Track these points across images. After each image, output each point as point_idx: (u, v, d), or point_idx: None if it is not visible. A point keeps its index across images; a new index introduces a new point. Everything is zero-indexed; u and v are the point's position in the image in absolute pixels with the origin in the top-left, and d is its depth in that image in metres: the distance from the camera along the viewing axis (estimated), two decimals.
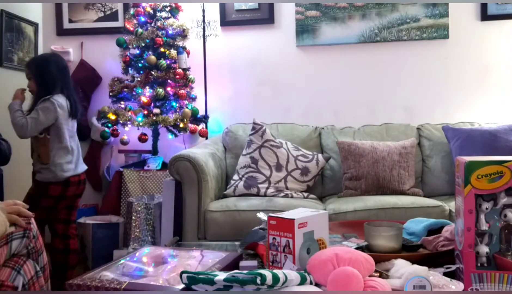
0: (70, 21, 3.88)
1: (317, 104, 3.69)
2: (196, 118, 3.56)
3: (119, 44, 3.52)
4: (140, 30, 3.45)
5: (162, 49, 3.49)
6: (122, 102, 3.53)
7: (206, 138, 3.61)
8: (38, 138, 2.70)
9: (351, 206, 2.69)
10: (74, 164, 2.77)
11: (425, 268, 1.20)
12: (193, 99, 3.62)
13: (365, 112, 3.62)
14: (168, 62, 3.48)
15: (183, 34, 3.57)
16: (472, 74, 3.57)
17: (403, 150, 3.04)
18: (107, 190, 3.50)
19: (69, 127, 2.76)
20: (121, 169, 3.43)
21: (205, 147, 3.15)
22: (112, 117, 3.46)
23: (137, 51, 3.51)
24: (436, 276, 1.17)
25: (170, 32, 3.51)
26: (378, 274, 1.25)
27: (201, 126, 3.60)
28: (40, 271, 1.34)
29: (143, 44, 3.47)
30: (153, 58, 3.42)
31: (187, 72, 3.55)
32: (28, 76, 2.74)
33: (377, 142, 3.13)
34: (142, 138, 3.52)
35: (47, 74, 2.71)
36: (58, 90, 2.71)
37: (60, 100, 2.69)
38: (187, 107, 3.51)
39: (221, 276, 1.09)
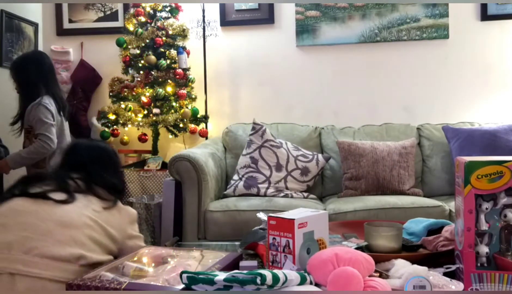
0: (70, 21, 3.88)
1: (317, 104, 3.69)
2: (196, 118, 3.56)
3: (119, 44, 3.52)
4: (140, 30, 3.45)
5: (162, 49, 3.49)
6: (122, 102, 3.53)
7: (206, 138, 3.61)
8: (32, 142, 2.61)
9: (351, 206, 2.69)
10: None
11: (425, 268, 1.20)
12: (193, 99, 3.62)
13: (365, 112, 3.62)
14: (168, 62, 3.48)
15: (183, 34, 3.57)
16: (472, 74, 3.57)
17: (403, 150, 3.04)
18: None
19: (61, 128, 2.68)
20: (121, 169, 3.42)
21: (205, 147, 3.16)
22: (112, 117, 3.46)
23: (137, 51, 3.51)
24: (436, 276, 1.17)
25: (170, 32, 3.51)
26: (378, 274, 1.25)
27: (201, 126, 3.60)
28: None
29: (143, 44, 3.47)
30: (153, 58, 3.43)
31: (187, 72, 3.55)
32: (12, 78, 2.66)
33: (377, 142, 3.13)
34: (142, 138, 3.53)
35: (27, 76, 2.61)
36: (42, 91, 2.61)
37: (47, 101, 2.60)
38: (187, 107, 3.52)
39: (221, 276, 1.09)
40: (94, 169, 1.62)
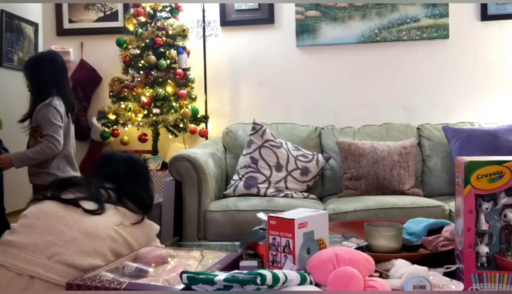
0: (70, 21, 3.88)
1: (317, 104, 3.69)
2: (196, 118, 3.56)
3: (119, 44, 3.52)
4: (140, 30, 3.45)
5: (162, 49, 3.49)
6: (122, 102, 3.53)
7: (206, 138, 3.62)
8: (38, 142, 2.58)
9: (351, 206, 2.69)
10: (71, 165, 2.70)
11: (425, 268, 1.20)
12: (193, 99, 3.62)
13: (365, 112, 3.62)
14: (168, 62, 3.48)
15: (183, 34, 3.57)
16: (472, 74, 3.57)
17: (403, 150, 3.04)
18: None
19: (67, 130, 2.67)
20: None
21: (205, 147, 3.16)
22: (112, 117, 3.46)
23: (137, 51, 3.51)
24: (436, 276, 1.17)
25: (170, 32, 3.51)
26: (378, 274, 1.25)
27: (201, 126, 3.60)
28: None
29: (143, 44, 3.47)
30: (153, 58, 3.43)
31: (187, 72, 3.55)
32: (25, 77, 2.65)
33: (377, 142, 3.13)
34: (142, 138, 3.53)
35: (39, 76, 2.60)
36: (53, 92, 2.59)
37: (57, 102, 2.58)
38: (187, 107, 3.52)
39: (221, 276, 1.09)
40: (127, 182, 1.64)
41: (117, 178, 1.64)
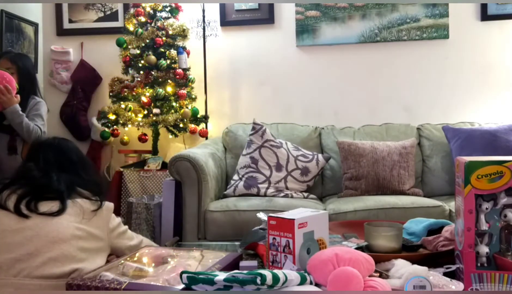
0: (70, 21, 3.88)
1: (317, 104, 3.69)
2: (196, 118, 3.56)
3: (119, 44, 3.52)
4: (140, 30, 3.45)
5: (162, 49, 3.49)
6: (122, 102, 3.53)
7: (206, 138, 3.61)
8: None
9: (351, 206, 2.69)
10: None
11: (425, 268, 1.20)
12: (193, 99, 3.61)
13: (365, 112, 3.62)
14: (168, 62, 3.48)
15: (183, 34, 3.57)
16: (472, 74, 3.57)
17: (403, 150, 3.04)
18: (107, 190, 3.50)
19: None
20: (121, 169, 3.43)
21: (205, 147, 3.16)
22: (112, 117, 3.46)
23: (137, 51, 3.51)
24: (436, 276, 1.17)
25: (170, 32, 3.51)
26: (378, 274, 1.26)
27: (201, 126, 3.60)
28: None
29: (143, 44, 3.47)
30: (153, 58, 3.42)
31: (187, 72, 3.55)
32: (11, 70, 2.66)
33: (377, 142, 3.13)
34: (142, 138, 3.52)
35: (32, 77, 2.75)
36: (36, 92, 2.75)
37: None
38: (187, 107, 3.52)
39: (221, 276, 1.09)
40: (81, 170, 1.58)
41: (69, 168, 1.54)
